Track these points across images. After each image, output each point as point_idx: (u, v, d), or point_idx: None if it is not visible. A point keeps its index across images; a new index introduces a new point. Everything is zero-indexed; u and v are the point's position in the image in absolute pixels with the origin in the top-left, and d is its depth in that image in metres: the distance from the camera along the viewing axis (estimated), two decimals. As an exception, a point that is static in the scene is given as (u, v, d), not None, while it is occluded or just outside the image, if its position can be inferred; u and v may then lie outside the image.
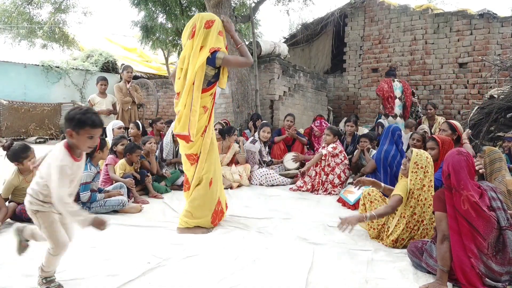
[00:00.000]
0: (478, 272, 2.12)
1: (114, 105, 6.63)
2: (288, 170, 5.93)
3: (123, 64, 10.67)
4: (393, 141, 4.58)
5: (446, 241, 2.22)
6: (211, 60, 3.11)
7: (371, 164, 4.72)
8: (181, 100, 3.14)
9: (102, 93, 6.59)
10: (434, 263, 2.32)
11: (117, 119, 6.36)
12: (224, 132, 5.66)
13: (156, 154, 5.26)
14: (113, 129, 5.51)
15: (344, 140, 6.30)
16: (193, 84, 3.08)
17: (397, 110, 7.53)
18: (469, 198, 2.21)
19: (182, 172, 5.47)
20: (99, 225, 1.98)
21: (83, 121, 2.00)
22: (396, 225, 2.91)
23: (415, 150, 2.98)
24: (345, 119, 8.64)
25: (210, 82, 3.21)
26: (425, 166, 2.90)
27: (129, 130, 5.64)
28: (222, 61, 3.15)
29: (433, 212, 2.45)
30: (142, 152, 4.77)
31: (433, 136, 3.97)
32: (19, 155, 3.32)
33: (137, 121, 5.90)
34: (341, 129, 6.84)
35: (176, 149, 5.49)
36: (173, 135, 5.48)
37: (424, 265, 2.40)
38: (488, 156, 3.27)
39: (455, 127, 4.29)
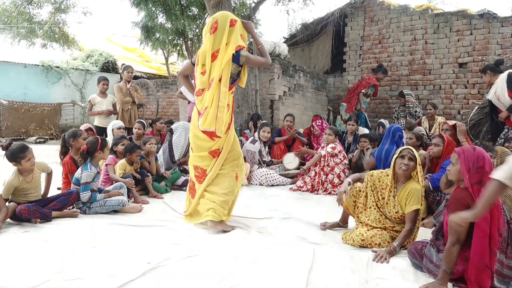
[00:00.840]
0: (492, 272, 2.11)
1: (114, 105, 6.64)
2: (288, 170, 5.93)
3: (123, 64, 10.68)
4: (393, 141, 4.59)
5: (458, 244, 2.18)
6: (235, 58, 3.16)
7: (372, 162, 4.73)
8: (207, 97, 3.14)
9: (103, 93, 6.59)
10: (434, 268, 2.30)
11: (117, 119, 6.37)
12: None
13: (158, 154, 5.24)
14: (112, 129, 5.52)
15: (346, 139, 6.30)
16: (220, 80, 3.12)
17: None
18: None
19: (182, 172, 5.48)
20: None
21: None
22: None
23: (415, 151, 2.97)
24: (339, 116, 8.68)
25: (233, 80, 3.26)
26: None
27: (133, 129, 5.62)
28: (245, 59, 3.20)
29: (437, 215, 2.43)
30: (142, 152, 4.77)
31: (441, 133, 3.98)
32: (17, 155, 3.30)
33: (142, 120, 5.89)
34: (340, 129, 6.84)
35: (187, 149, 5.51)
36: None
37: (425, 270, 2.39)
38: (500, 158, 3.25)
39: (455, 126, 4.31)
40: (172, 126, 5.63)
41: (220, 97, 3.12)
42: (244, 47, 3.24)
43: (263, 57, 3.35)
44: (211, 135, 3.18)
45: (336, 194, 4.72)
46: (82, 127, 5.34)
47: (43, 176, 3.69)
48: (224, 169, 3.32)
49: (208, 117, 3.12)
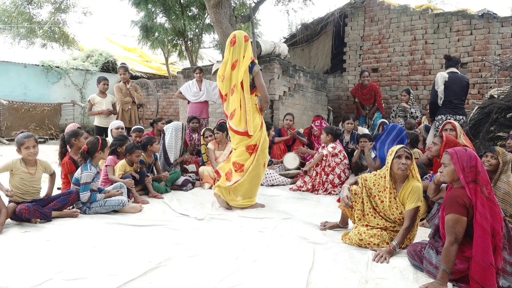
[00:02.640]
0: (498, 269, 2.11)
1: (114, 105, 6.63)
2: (288, 170, 5.93)
3: (123, 63, 10.67)
4: (395, 142, 4.57)
5: (456, 244, 2.18)
6: (250, 68, 3.77)
7: (378, 165, 4.69)
8: (234, 101, 3.78)
9: (103, 93, 6.58)
10: (434, 270, 2.30)
11: (117, 119, 6.35)
12: (224, 129, 5.66)
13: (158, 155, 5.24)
14: (111, 130, 5.48)
15: (343, 138, 6.30)
16: (242, 87, 3.74)
17: None
18: (491, 192, 2.23)
19: (183, 172, 5.48)
20: None
21: None
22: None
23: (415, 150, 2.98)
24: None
25: (253, 86, 3.85)
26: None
27: (132, 136, 5.59)
28: (256, 74, 3.79)
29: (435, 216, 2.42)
30: (142, 153, 4.77)
31: (442, 133, 3.98)
32: (18, 141, 3.40)
33: (141, 127, 5.85)
34: (339, 129, 6.84)
35: (182, 149, 5.53)
36: (182, 136, 5.45)
37: (426, 273, 2.39)
38: (502, 158, 3.25)
39: (454, 126, 4.31)
40: (164, 128, 5.59)
41: (246, 102, 3.73)
42: (255, 60, 3.83)
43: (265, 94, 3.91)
44: (245, 134, 3.80)
45: (337, 194, 4.79)
46: (72, 126, 5.21)
47: (43, 177, 3.68)
48: (259, 160, 3.90)
49: (239, 120, 3.78)
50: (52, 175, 3.74)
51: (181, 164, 5.60)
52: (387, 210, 2.92)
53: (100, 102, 6.52)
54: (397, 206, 2.89)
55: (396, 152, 2.88)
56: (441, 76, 5.61)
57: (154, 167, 5.06)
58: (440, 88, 5.56)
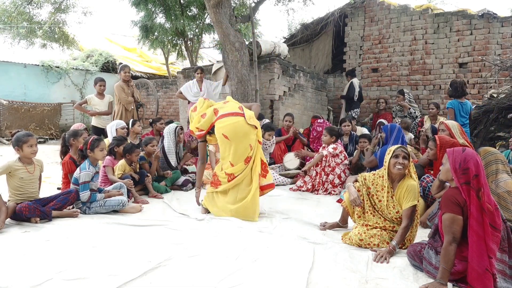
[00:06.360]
0: (494, 273, 2.10)
1: (110, 103, 6.66)
2: (288, 170, 5.93)
3: (120, 63, 10.66)
4: (399, 141, 4.57)
5: (454, 243, 2.18)
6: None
7: (373, 161, 4.70)
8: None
9: (100, 94, 6.59)
10: (434, 270, 2.30)
11: (120, 119, 6.28)
12: None
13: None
14: (116, 129, 5.44)
15: (341, 140, 6.29)
16: None
17: None
18: (488, 193, 2.22)
19: (183, 172, 5.47)
20: None
21: None
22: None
23: (408, 149, 2.99)
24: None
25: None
26: None
27: (135, 127, 5.61)
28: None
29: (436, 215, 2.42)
30: (143, 153, 4.76)
31: (435, 136, 3.98)
32: (20, 139, 3.37)
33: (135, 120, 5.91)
34: (340, 129, 6.82)
35: (178, 149, 5.49)
36: (175, 137, 5.40)
37: (425, 273, 2.39)
38: (483, 159, 3.21)
39: (446, 126, 4.31)
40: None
41: None
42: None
43: None
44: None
45: (337, 195, 4.79)
46: (77, 126, 5.26)
47: (43, 177, 3.69)
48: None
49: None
50: (40, 175, 3.74)
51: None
52: (385, 209, 2.94)
53: (98, 103, 6.51)
54: (393, 205, 2.90)
55: (394, 151, 2.91)
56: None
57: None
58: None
